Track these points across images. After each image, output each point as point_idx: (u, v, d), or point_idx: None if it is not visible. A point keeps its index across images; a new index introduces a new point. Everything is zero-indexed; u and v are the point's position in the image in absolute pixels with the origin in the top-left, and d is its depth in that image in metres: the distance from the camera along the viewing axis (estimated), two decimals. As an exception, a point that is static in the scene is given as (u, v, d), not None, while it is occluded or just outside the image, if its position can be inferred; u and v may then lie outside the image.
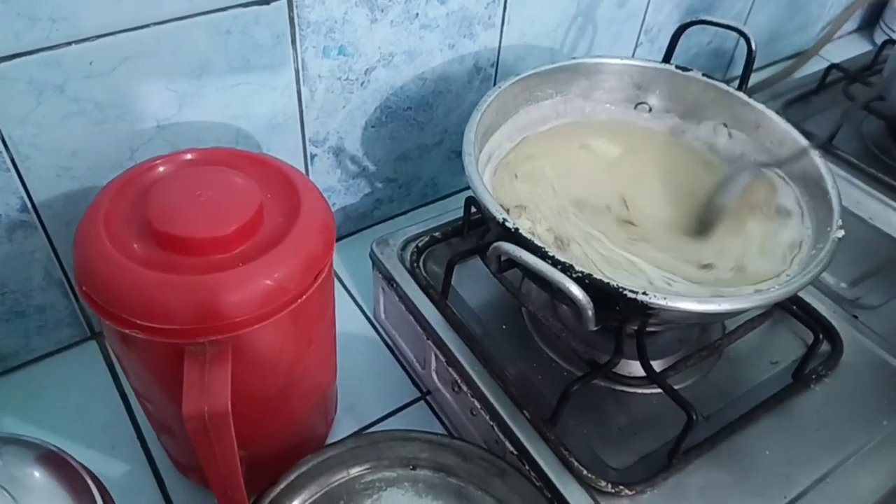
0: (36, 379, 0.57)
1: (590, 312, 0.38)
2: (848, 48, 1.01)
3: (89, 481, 0.35)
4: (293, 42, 0.53)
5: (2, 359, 0.56)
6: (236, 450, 0.38)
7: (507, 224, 0.43)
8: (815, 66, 0.94)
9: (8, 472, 0.33)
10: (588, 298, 0.38)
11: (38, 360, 0.58)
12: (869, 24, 1.10)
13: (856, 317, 0.56)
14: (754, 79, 1.00)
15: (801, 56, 1.00)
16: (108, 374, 0.58)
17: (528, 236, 0.41)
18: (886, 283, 0.60)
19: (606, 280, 0.40)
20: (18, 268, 0.52)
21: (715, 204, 0.51)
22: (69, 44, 0.44)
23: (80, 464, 0.36)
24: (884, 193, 0.68)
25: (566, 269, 0.40)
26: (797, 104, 0.80)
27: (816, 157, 0.50)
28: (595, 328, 0.40)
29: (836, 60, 0.85)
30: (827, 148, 0.73)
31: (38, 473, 0.34)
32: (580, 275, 0.40)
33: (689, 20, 0.58)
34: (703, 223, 0.51)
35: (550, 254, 0.41)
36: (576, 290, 0.38)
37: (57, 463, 0.35)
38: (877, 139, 0.76)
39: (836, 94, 0.80)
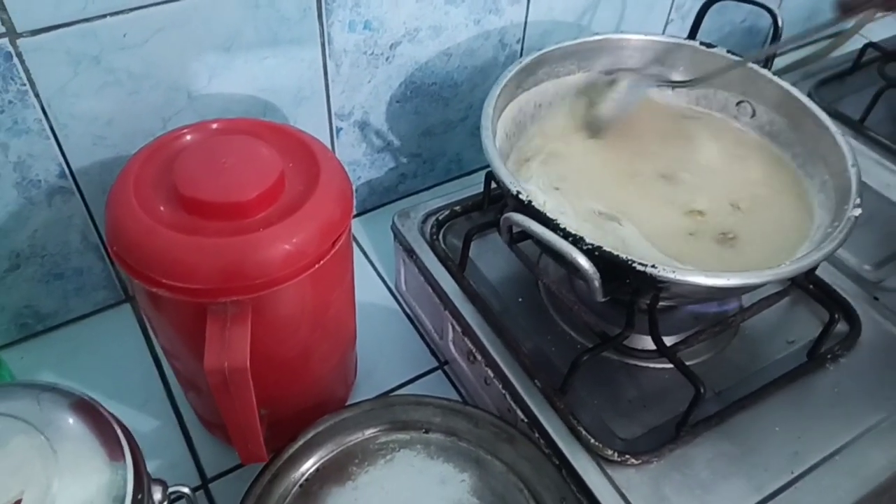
0: (73, 338, 0.60)
1: (596, 283, 0.39)
2: (893, 27, 0.98)
3: (117, 429, 0.37)
4: (319, 16, 0.54)
5: (42, 318, 0.59)
6: (255, 405, 0.40)
7: (520, 196, 0.43)
8: (855, 45, 0.91)
9: (44, 417, 0.36)
10: (595, 269, 0.39)
11: (76, 321, 0.61)
12: (915, 3, 1.07)
13: (876, 298, 0.56)
14: (791, 58, 0.98)
15: (840, 35, 0.97)
16: (140, 336, 0.61)
17: (540, 208, 0.42)
18: (911, 266, 0.59)
19: (616, 253, 0.40)
20: (57, 232, 0.55)
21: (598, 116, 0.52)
22: (104, 16, 0.46)
23: (109, 413, 0.38)
24: (915, 176, 0.67)
25: (576, 240, 0.41)
26: (830, 84, 0.78)
27: (838, 135, 0.50)
28: (603, 299, 0.41)
29: (877, 39, 0.83)
30: (858, 129, 0.72)
31: (71, 420, 0.36)
32: (590, 247, 0.40)
33: (717, -4, 0.58)
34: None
35: (562, 225, 0.41)
36: (582, 261, 0.38)
37: (89, 411, 0.37)
38: (912, 121, 0.74)
39: (872, 74, 0.78)
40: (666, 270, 0.40)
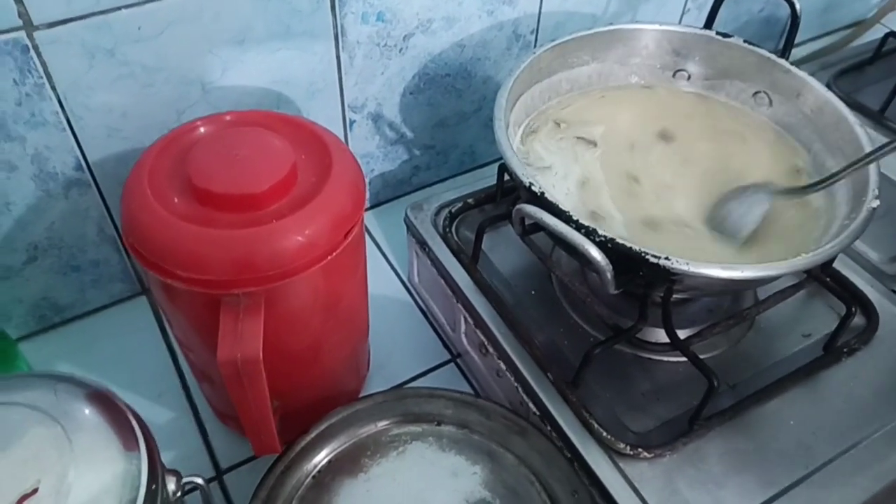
0: (90, 330, 0.61)
1: (609, 275, 0.39)
2: (913, 17, 0.96)
3: (132, 419, 0.37)
4: (332, 8, 0.54)
5: (59, 310, 0.60)
6: (268, 396, 0.40)
7: (532, 188, 0.43)
8: (875, 35, 0.90)
9: (61, 407, 0.36)
10: (607, 260, 0.38)
11: (93, 313, 0.62)
12: (938, -9, 1.05)
13: (895, 292, 0.55)
14: (809, 48, 0.97)
15: (860, 25, 0.96)
16: (156, 328, 0.61)
17: (553, 200, 0.42)
18: (931, 259, 0.59)
19: (629, 245, 0.40)
20: (74, 224, 0.55)
21: (726, 223, 0.49)
22: (119, 9, 0.46)
23: (125, 404, 0.39)
24: (937, 168, 0.66)
25: (589, 232, 0.40)
26: (850, 74, 0.77)
27: (857, 126, 0.49)
28: (616, 291, 0.40)
29: (896, 29, 0.81)
30: (878, 119, 0.71)
31: (87, 410, 0.37)
32: (603, 239, 0.40)
33: (734, -15, 0.57)
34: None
35: (574, 218, 0.41)
36: (594, 252, 0.38)
37: (104, 401, 0.38)
38: (934, 111, 0.73)
39: (893, 64, 0.76)
40: (680, 263, 0.39)
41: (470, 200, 0.61)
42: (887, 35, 0.78)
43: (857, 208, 0.44)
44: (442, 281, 0.56)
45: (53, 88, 0.47)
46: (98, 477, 0.34)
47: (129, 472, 0.34)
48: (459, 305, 0.55)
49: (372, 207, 0.72)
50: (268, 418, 0.42)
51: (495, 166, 0.60)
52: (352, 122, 0.64)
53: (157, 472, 0.36)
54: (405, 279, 0.66)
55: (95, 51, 0.47)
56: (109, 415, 0.37)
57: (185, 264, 0.38)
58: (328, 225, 0.40)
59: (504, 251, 0.58)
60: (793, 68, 0.54)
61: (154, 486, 0.35)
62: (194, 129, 0.44)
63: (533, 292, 0.56)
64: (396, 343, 0.61)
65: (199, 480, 0.40)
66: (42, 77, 0.46)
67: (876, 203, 0.44)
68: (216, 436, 0.54)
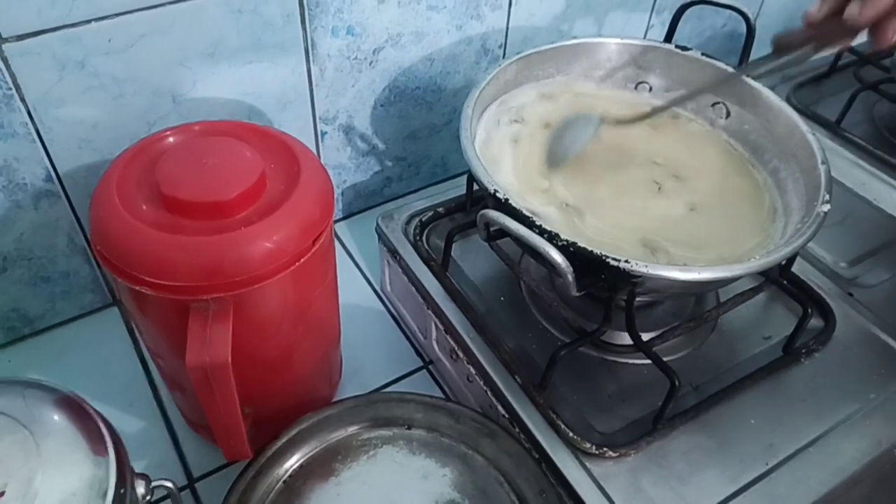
0: (61, 341, 0.61)
1: (570, 277, 0.40)
2: (869, 32, 1.00)
3: (101, 424, 0.37)
4: (302, 21, 0.55)
5: (29, 321, 0.60)
6: (237, 401, 0.41)
7: (497, 194, 0.44)
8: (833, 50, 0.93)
9: (29, 413, 0.36)
10: (567, 263, 0.40)
11: (63, 324, 0.62)
12: (893, 8, 1.09)
13: (851, 294, 0.57)
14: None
15: (819, 40, 0.99)
16: (127, 339, 0.61)
17: (517, 206, 0.43)
18: (886, 263, 0.61)
19: (590, 248, 0.41)
20: (44, 235, 0.55)
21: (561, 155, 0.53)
22: (89, 21, 0.47)
23: (94, 410, 0.39)
24: (891, 175, 0.68)
25: (552, 237, 0.42)
26: (807, 87, 0.80)
27: (808, 134, 0.51)
28: (578, 293, 0.42)
29: (853, 43, 0.84)
30: (835, 130, 0.73)
31: (55, 415, 0.37)
32: (565, 243, 0.41)
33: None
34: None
35: (537, 222, 0.42)
36: (555, 255, 0.39)
37: (73, 407, 0.38)
38: (888, 122, 0.76)
39: (848, 77, 0.79)
40: (639, 265, 0.41)
41: (440, 209, 0.62)
42: (842, 49, 0.81)
43: (810, 213, 0.46)
44: (413, 288, 0.57)
45: (23, 100, 0.48)
46: (65, 481, 0.34)
47: (97, 476, 0.35)
48: (430, 312, 0.56)
49: (345, 218, 0.73)
50: (237, 423, 0.42)
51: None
52: (323, 134, 0.65)
53: (125, 476, 0.36)
54: (377, 288, 0.67)
55: (66, 62, 0.48)
56: (78, 420, 0.37)
57: (153, 271, 0.38)
58: (296, 231, 0.41)
59: (474, 259, 0.59)
60: (749, 80, 0.56)
61: (122, 490, 0.35)
62: (163, 138, 0.44)
63: (502, 298, 0.57)
64: (369, 351, 0.61)
65: (169, 484, 0.40)
66: (11, 88, 0.47)
67: (826, 208, 0.45)
68: (188, 444, 0.54)
